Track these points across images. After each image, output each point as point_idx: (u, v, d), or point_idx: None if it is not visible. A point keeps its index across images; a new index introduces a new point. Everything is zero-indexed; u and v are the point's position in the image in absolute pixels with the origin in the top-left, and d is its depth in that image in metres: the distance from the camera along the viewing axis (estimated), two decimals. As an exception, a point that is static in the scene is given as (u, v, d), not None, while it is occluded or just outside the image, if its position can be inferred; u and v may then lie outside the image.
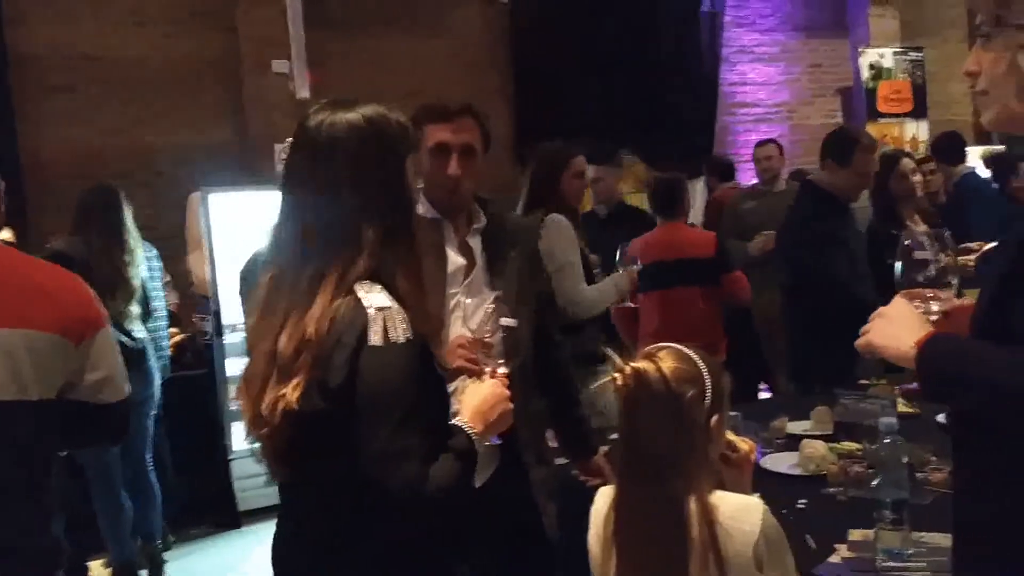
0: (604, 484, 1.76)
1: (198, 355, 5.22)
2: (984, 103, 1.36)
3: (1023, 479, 1.24)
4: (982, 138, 7.99)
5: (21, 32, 5.99)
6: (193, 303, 5.50)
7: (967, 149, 6.19)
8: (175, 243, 5.31)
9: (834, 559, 1.94)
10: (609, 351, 1.65)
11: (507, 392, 1.66)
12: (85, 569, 4.22)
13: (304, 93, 6.17)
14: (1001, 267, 1.30)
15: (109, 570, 4.19)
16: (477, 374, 1.84)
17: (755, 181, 6.00)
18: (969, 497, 1.36)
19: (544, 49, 7.44)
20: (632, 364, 1.59)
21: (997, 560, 1.29)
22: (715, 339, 4.14)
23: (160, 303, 4.39)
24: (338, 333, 1.41)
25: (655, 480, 1.56)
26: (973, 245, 3.69)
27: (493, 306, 2.04)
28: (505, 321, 2.00)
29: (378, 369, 1.40)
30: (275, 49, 6.27)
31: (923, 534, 1.94)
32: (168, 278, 4.74)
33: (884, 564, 1.86)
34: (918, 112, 8.88)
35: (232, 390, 4.82)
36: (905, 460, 1.97)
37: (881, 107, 8.76)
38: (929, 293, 1.49)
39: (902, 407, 2.84)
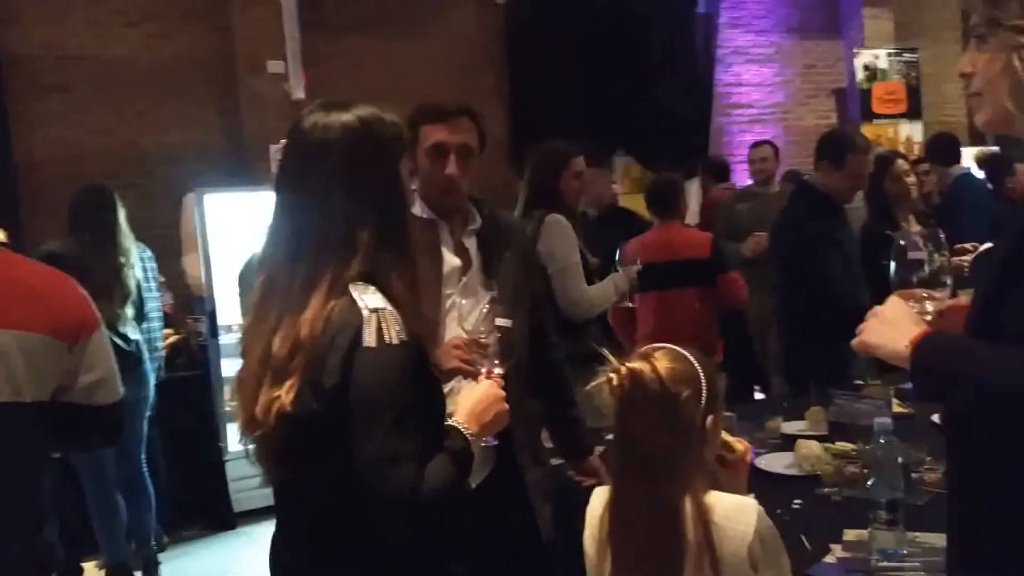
0: (599, 484, 1.76)
1: (193, 356, 5.21)
2: (978, 104, 1.36)
3: (1017, 478, 1.24)
4: (976, 139, 8.00)
5: (13, 32, 5.97)
6: (188, 304, 5.49)
7: (961, 150, 6.21)
8: (169, 243, 5.29)
9: (829, 559, 1.94)
10: (605, 351, 1.65)
11: (502, 392, 1.65)
12: (79, 571, 4.21)
13: (299, 94, 6.16)
14: (995, 267, 1.31)
15: (103, 572, 4.17)
16: (472, 375, 1.84)
17: (749, 182, 6.01)
18: (964, 497, 1.36)
19: (539, 50, 7.43)
20: (628, 364, 1.59)
21: (992, 560, 1.29)
22: (711, 340, 4.14)
23: (155, 303, 4.38)
24: (332, 335, 1.41)
25: (650, 480, 1.56)
26: (968, 246, 3.69)
27: (488, 307, 2.04)
28: (500, 321, 2.00)
29: (372, 371, 1.40)
30: (270, 49, 6.26)
31: (918, 534, 1.94)
32: (162, 279, 4.73)
33: (879, 564, 1.87)
34: (913, 113, 8.90)
35: (227, 391, 4.81)
36: (900, 460, 1.97)
37: (876, 108, 8.78)
38: (924, 293, 1.49)
39: (897, 407, 2.85)
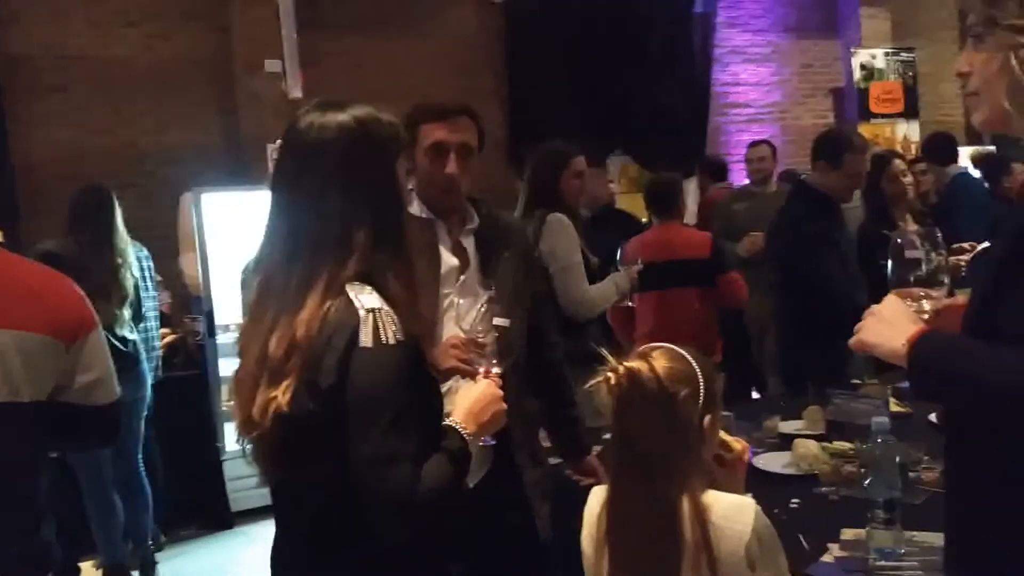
0: (597, 484, 1.76)
1: (190, 356, 5.21)
2: (975, 104, 1.37)
3: (1015, 478, 1.24)
4: (973, 139, 8.01)
5: (12, 32, 5.96)
6: (185, 303, 5.48)
7: (958, 149, 6.21)
8: (168, 243, 5.29)
9: (827, 558, 1.94)
10: (603, 351, 1.65)
11: (500, 392, 1.65)
12: (77, 570, 4.21)
13: (297, 93, 6.16)
14: (992, 267, 1.31)
15: (100, 571, 4.17)
16: (470, 374, 1.84)
17: (746, 182, 6.01)
18: (961, 496, 1.36)
19: (537, 50, 7.44)
20: (625, 364, 1.59)
21: (989, 559, 1.29)
22: (711, 340, 4.14)
23: (152, 303, 4.38)
24: (328, 335, 1.41)
25: (648, 480, 1.56)
26: (966, 245, 3.70)
27: (486, 306, 2.04)
28: (498, 321, 2.00)
29: (369, 371, 1.40)
30: (268, 49, 6.26)
31: (915, 533, 1.94)
32: (159, 278, 4.73)
33: (876, 563, 1.87)
34: (910, 112, 8.91)
35: (225, 391, 4.81)
36: (897, 459, 1.97)
37: (873, 107, 8.79)
38: (921, 292, 1.49)
39: (894, 406, 2.85)
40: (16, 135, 5.90)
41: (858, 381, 3.18)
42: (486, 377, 1.70)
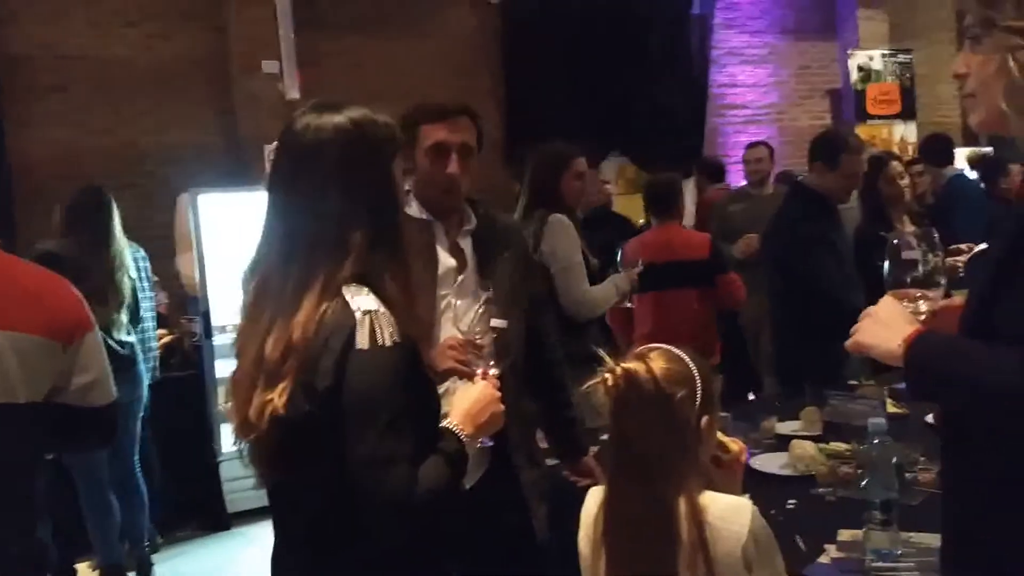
0: (594, 485, 1.76)
1: (187, 357, 5.20)
2: (972, 105, 1.37)
3: (1011, 478, 1.24)
4: (970, 140, 8.03)
5: (10, 32, 5.96)
6: (182, 304, 5.48)
7: (955, 151, 6.23)
8: (166, 243, 5.29)
9: (823, 559, 1.94)
10: (600, 351, 1.65)
11: (498, 394, 1.65)
12: (73, 572, 4.20)
13: (294, 94, 6.15)
14: (989, 268, 1.31)
15: (97, 572, 4.16)
16: (468, 375, 1.83)
17: (743, 183, 6.01)
18: (958, 497, 1.36)
19: (535, 51, 7.44)
20: (623, 365, 1.59)
21: (986, 560, 1.29)
22: (709, 341, 4.14)
23: (148, 303, 4.37)
24: (325, 337, 1.41)
25: (645, 481, 1.56)
26: (963, 246, 3.70)
27: (484, 307, 2.04)
28: (495, 322, 2.00)
29: (365, 373, 1.40)
30: (265, 50, 6.25)
31: (912, 534, 1.94)
32: (156, 278, 4.72)
33: (873, 564, 1.87)
34: (907, 114, 8.93)
35: (221, 392, 4.80)
36: (894, 460, 1.97)
37: (870, 109, 8.80)
38: (918, 293, 1.49)
39: (891, 407, 2.86)
40: (13, 135, 5.89)
41: (855, 382, 3.18)
42: (484, 378, 1.70)
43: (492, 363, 1.78)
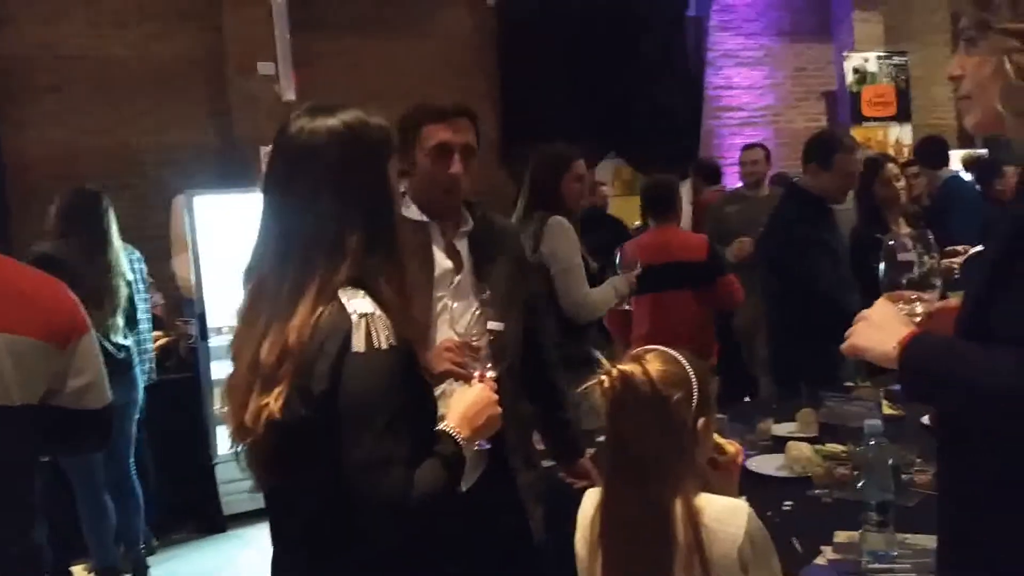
0: (591, 486, 1.76)
1: (183, 359, 5.19)
2: (968, 107, 1.37)
3: (1007, 480, 1.25)
4: (965, 142, 8.05)
5: (6, 32, 5.94)
6: (178, 306, 5.47)
7: (950, 153, 6.24)
8: (162, 244, 5.28)
9: (820, 561, 1.94)
10: (597, 353, 1.65)
11: (495, 396, 1.65)
12: (69, 574, 4.19)
13: (290, 95, 6.14)
14: (985, 269, 1.31)
15: (92, 575, 4.15)
16: (465, 377, 1.83)
17: (739, 184, 6.02)
18: (954, 499, 1.36)
19: (530, 52, 7.44)
20: (619, 366, 1.59)
21: (982, 561, 1.29)
22: (707, 343, 4.14)
23: (144, 305, 4.36)
24: (321, 340, 1.40)
25: (641, 482, 1.56)
26: (959, 248, 3.71)
27: (480, 310, 2.03)
28: (492, 325, 1.99)
29: (361, 376, 1.39)
30: (261, 51, 6.24)
31: (908, 536, 1.94)
32: (152, 280, 4.71)
33: (869, 566, 1.87)
34: (902, 116, 8.94)
35: (217, 394, 4.80)
36: (890, 462, 1.97)
37: (865, 111, 8.82)
38: (913, 295, 1.49)
39: (887, 409, 2.86)
40: (8, 135, 5.88)
41: (851, 384, 3.19)
42: (481, 381, 1.70)
43: (489, 365, 1.78)
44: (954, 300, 1.50)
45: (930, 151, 6.07)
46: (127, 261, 4.15)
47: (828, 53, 9.23)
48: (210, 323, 4.94)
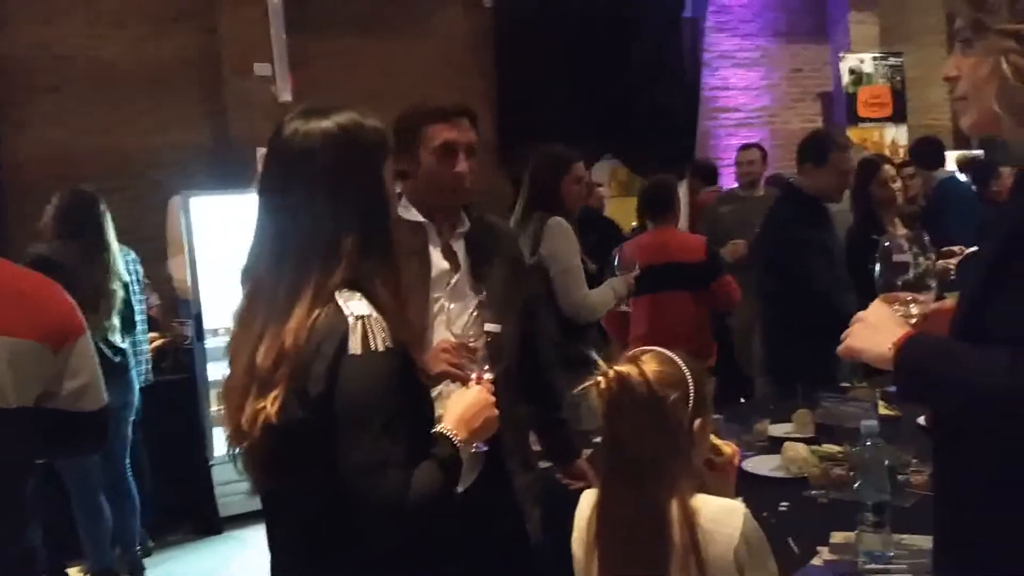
0: (587, 487, 1.76)
1: (179, 360, 5.18)
2: (964, 107, 1.37)
3: (1003, 480, 1.25)
4: (961, 143, 8.06)
5: (3, 33, 5.93)
6: (174, 307, 5.46)
7: (946, 154, 6.25)
8: (157, 245, 5.27)
9: (816, 562, 1.94)
10: (593, 354, 1.65)
11: (492, 398, 1.65)
12: (64, 576, 4.19)
13: (286, 96, 6.13)
14: (980, 270, 1.31)
15: (88, 577, 4.15)
16: (462, 379, 1.83)
17: (735, 185, 6.02)
18: (950, 499, 1.36)
19: (527, 53, 7.44)
20: (615, 367, 1.59)
21: (978, 562, 1.29)
22: (705, 343, 4.14)
23: (140, 307, 4.35)
24: (317, 342, 1.40)
25: (638, 483, 1.56)
26: (955, 249, 3.72)
27: (477, 311, 2.03)
28: (489, 326, 1.99)
29: (358, 378, 1.39)
30: (257, 52, 6.23)
31: (904, 536, 1.94)
32: (148, 281, 4.70)
33: (866, 566, 1.87)
34: (898, 117, 8.94)
35: (213, 395, 4.79)
36: (886, 463, 1.98)
37: (861, 112, 8.82)
38: (908, 296, 1.50)
39: (883, 410, 2.86)
40: (5, 136, 5.86)
41: (847, 384, 3.19)
42: (478, 383, 1.70)
43: (486, 367, 1.78)
44: (950, 301, 1.50)
45: (926, 152, 6.08)
46: (123, 263, 4.14)
47: (824, 54, 9.24)
48: (206, 324, 4.93)
